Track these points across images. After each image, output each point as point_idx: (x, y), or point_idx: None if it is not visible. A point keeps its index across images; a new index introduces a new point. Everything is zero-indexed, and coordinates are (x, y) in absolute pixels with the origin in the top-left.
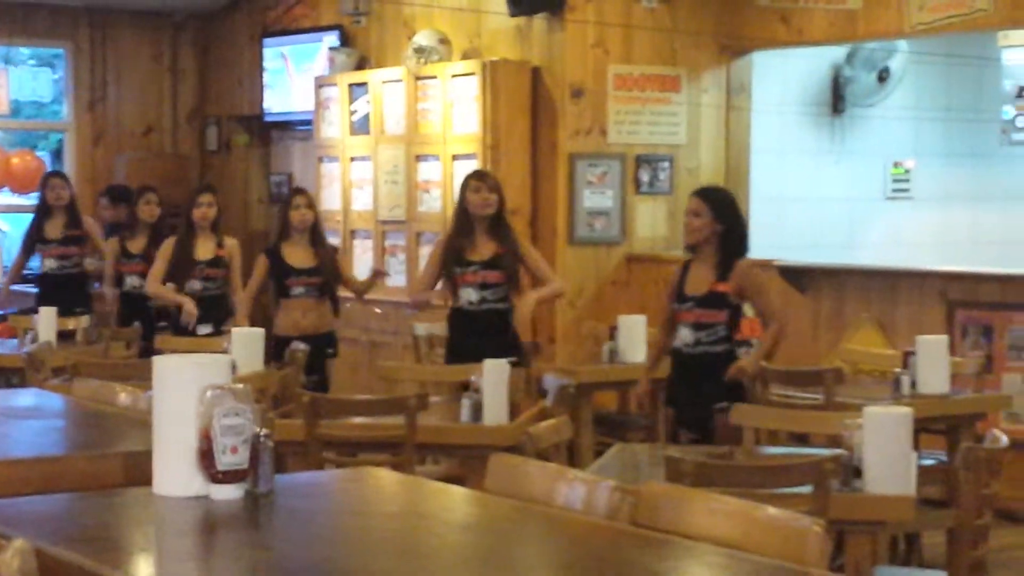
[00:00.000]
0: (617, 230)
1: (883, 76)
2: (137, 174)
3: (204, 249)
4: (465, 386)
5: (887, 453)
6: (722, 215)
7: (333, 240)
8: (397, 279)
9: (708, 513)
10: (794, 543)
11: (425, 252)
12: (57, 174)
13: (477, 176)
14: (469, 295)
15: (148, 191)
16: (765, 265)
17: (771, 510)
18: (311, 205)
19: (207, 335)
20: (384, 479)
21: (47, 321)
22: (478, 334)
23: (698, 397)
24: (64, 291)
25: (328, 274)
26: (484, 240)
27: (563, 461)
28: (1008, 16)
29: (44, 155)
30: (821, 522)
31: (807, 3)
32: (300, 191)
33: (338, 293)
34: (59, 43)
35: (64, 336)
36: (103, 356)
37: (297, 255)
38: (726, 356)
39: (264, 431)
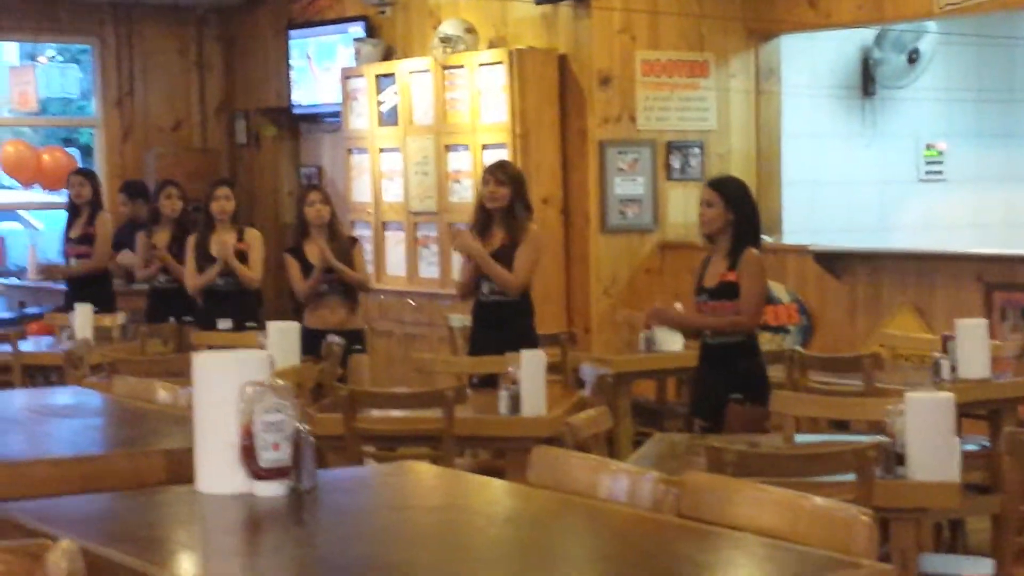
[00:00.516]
0: (649, 217)
1: (913, 57)
2: (167, 169)
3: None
4: (484, 379)
5: (930, 439)
6: (734, 204)
7: (363, 232)
8: (430, 270)
9: (753, 503)
10: (841, 533)
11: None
12: (79, 171)
13: (489, 169)
14: (483, 286)
15: (169, 185)
16: (800, 250)
17: (817, 500)
18: (326, 201)
19: (227, 330)
20: (425, 473)
21: (83, 318)
22: (490, 326)
23: (714, 386)
24: (87, 289)
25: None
26: (498, 232)
27: (603, 452)
28: None
29: (75, 152)
30: (869, 511)
31: None
32: (313, 187)
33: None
34: (86, 39)
35: (100, 333)
36: (139, 352)
37: (317, 252)
38: (742, 346)
39: (305, 427)
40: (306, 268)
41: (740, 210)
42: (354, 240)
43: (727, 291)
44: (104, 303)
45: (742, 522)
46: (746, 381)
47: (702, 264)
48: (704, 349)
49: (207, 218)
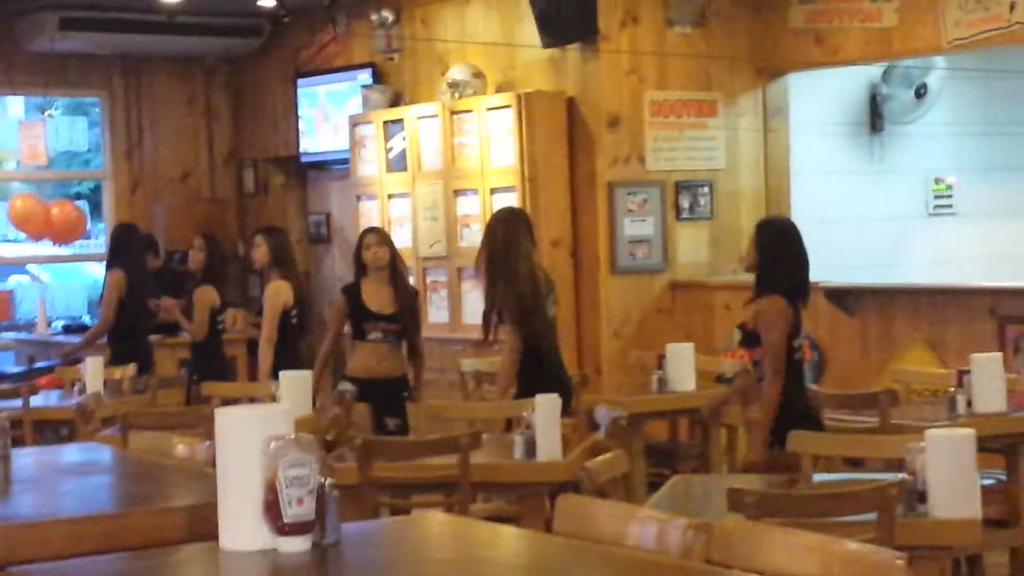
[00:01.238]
0: (659, 257)
1: (920, 93)
2: (176, 220)
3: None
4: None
5: (951, 476)
6: (761, 246)
7: None
8: (440, 315)
9: (785, 548)
10: None
11: (468, 287)
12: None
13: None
14: None
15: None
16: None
17: (851, 544)
18: (384, 242)
19: None
20: (447, 524)
21: (94, 371)
22: None
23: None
24: (118, 344)
25: (406, 321)
26: None
27: (621, 495)
28: None
29: (84, 204)
30: (903, 555)
31: (841, 23)
32: (372, 230)
33: (419, 338)
34: (94, 92)
35: (110, 386)
36: (151, 405)
37: (376, 298)
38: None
39: (329, 480)
40: (362, 313)
41: (766, 252)
42: (416, 293)
43: (750, 339)
44: (134, 358)
45: (774, 568)
46: (775, 430)
47: (747, 304)
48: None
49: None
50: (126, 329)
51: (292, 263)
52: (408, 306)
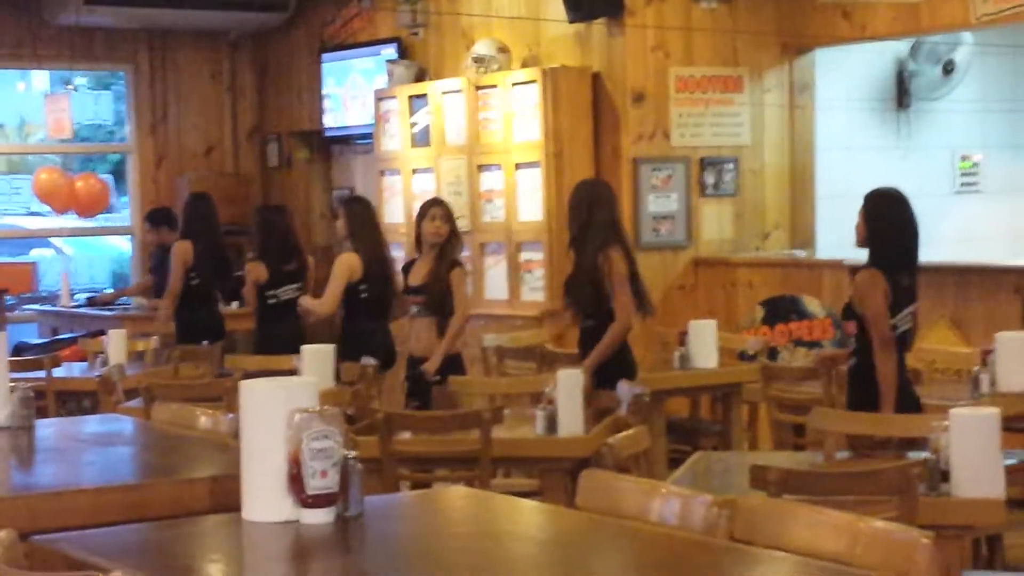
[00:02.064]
0: (683, 234)
1: (948, 69)
2: None
3: None
4: None
5: (975, 455)
6: (870, 217)
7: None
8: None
9: (810, 526)
10: (901, 556)
11: (491, 262)
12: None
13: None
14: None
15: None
16: (834, 265)
17: (876, 522)
18: (448, 218)
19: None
20: (469, 498)
21: (117, 343)
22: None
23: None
24: (187, 315)
25: (435, 294)
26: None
27: (642, 472)
28: None
29: (108, 178)
30: (929, 534)
31: None
32: (437, 202)
33: (458, 311)
34: (119, 66)
35: (133, 357)
36: (173, 377)
37: (418, 272)
38: (857, 370)
39: (352, 453)
40: (406, 288)
41: (875, 225)
42: (454, 264)
43: (847, 312)
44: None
45: (797, 545)
46: (867, 404)
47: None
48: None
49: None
50: (195, 301)
51: (368, 236)
52: (439, 279)
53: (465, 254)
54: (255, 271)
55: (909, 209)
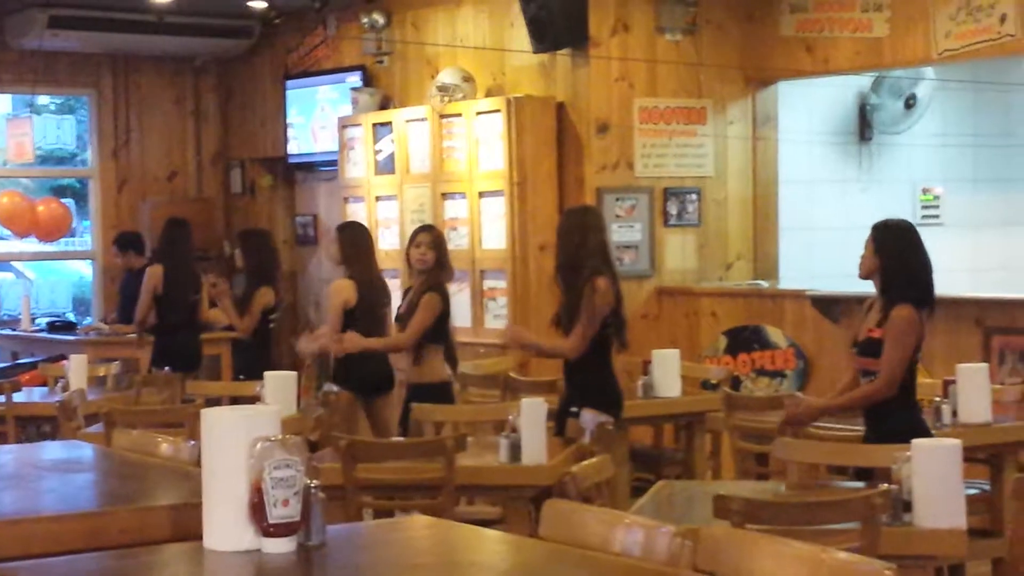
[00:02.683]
0: (647, 263)
1: (910, 103)
2: (162, 219)
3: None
4: None
5: (937, 486)
6: (884, 249)
7: None
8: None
9: (773, 557)
10: None
11: (455, 290)
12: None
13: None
14: None
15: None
16: (797, 295)
17: (840, 554)
18: (435, 245)
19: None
20: (432, 528)
21: (78, 368)
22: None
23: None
24: (163, 340)
25: (408, 321)
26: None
27: (605, 500)
28: None
29: (70, 202)
30: (892, 566)
31: (832, 32)
32: (426, 228)
33: (451, 333)
34: (83, 90)
35: (94, 382)
36: (135, 403)
37: (406, 298)
38: (892, 402)
39: (314, 482)
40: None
41: (890, 256)
42: (429, 288)
43: (871, 348)
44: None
45: None
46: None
47: (864, 311)
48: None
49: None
50: (168, 326)
51: (361, 260)
52: (412, 306)
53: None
54: (265, 296)
55: (922, 242)
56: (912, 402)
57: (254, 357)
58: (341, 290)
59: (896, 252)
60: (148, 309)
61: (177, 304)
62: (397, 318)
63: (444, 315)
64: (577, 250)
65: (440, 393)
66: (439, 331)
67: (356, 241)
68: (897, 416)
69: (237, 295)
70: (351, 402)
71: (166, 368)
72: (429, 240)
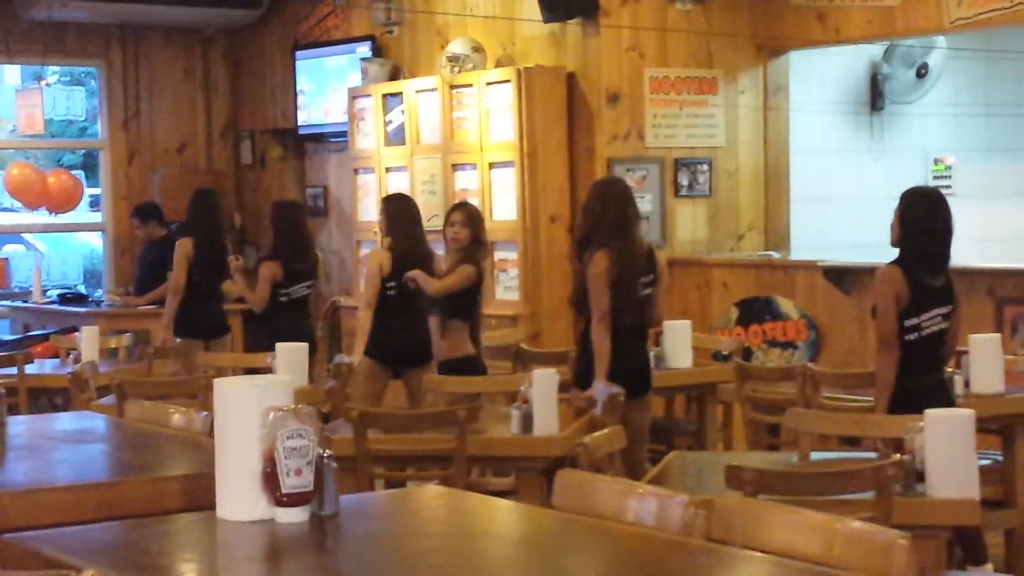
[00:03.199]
0: (657, 234)
1: (921, 72)
2: (172, 190)
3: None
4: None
5: (949, 456)
6: (903, 217)
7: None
8: None
9: (787, 527)
10: (879, 557)
11: None
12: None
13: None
14: None
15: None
16: (808, 266)
17: (854, 523)
18: (469, 222)
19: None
20: (444, 497)
21: (90, 340)
22: None
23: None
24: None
25: (442, 297)
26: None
27: (617, 471)
28: None
29: (80, 174)
30: (906, 535)
31: (844, 1)
32: (459, 206)
33: (479, 311)
34: (92, 61)
35: (106, 354)
36: (146, 374)
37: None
38: (905, 374)
39: (327, 452)
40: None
41: (905, 221)
42: (463, 261)
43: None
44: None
45: (775, 546)
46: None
47: None
48: None
49: None
50: (195, 296)
51: (404, 232)
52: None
53: (439, 252)
54: (270, 270)
55: (943, 209)
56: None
57: (261, 329)
58: (375, 255)
59: (911, 216)
60: (182, 280)
61: (207, 274)
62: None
63: (475, 290)
64: (593, 225)
65: (469, 367)
66: (469, 307)
67: (399, 213)
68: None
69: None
70: (372, 373)
71: (188, 337)
72: (463, 218)
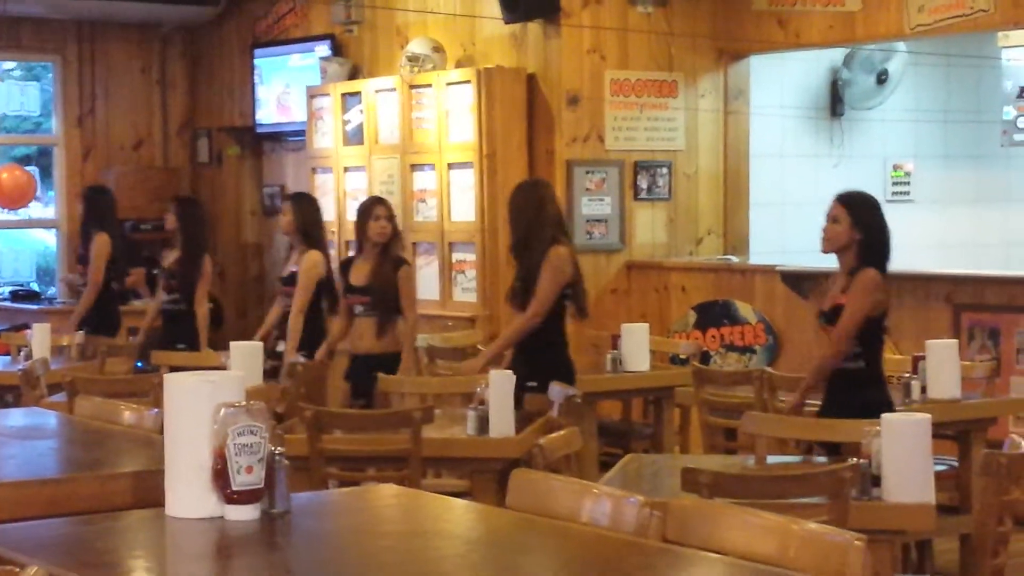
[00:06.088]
0: (616, 237)
1: (882, 78)
2: (127, 188)
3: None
4: None
5: (906, 461)
6: (863, 223)
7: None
8: None
9: (742, 528)
10: (834, 559)
11: (423, 262)
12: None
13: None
14: None
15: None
16: (767, 270)
17: (810, 525)
18: (392, 217)
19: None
20: (398, 497)
21: (41, 337)
22: None
23: (830, 416)
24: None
25: (379, 293)
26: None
27: (573, 473)
28: (1009, 16)
29: (34, 170)
30: (862, 537)
31: (804, 5)
32: (380, 201)
33: (409, 312)
34: (47, 56)
35: (58, 351)
36: (98, 372)
37: (360, 271)
38: (860, 374)
39: (279, 449)
40: (345, 288)
41: (868, 230)
42: (401, 262)
43: (831, 317)
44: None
45: (730, 547)
46: (863, 409)
47: (831, 283)
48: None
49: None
50: (108, 294)
51: (320, 232)
52: (383, 279)
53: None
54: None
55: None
56: (878, 376)
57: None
58: (317, 263)
59: (875, 226)
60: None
61: (118, 272)
62: (358, 290)
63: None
64: (533, 224)
65: (395, 362)
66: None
67: (313, 213)
68: (864, 392)
69: None
70: (318, 372)
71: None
72: (387, 212)
